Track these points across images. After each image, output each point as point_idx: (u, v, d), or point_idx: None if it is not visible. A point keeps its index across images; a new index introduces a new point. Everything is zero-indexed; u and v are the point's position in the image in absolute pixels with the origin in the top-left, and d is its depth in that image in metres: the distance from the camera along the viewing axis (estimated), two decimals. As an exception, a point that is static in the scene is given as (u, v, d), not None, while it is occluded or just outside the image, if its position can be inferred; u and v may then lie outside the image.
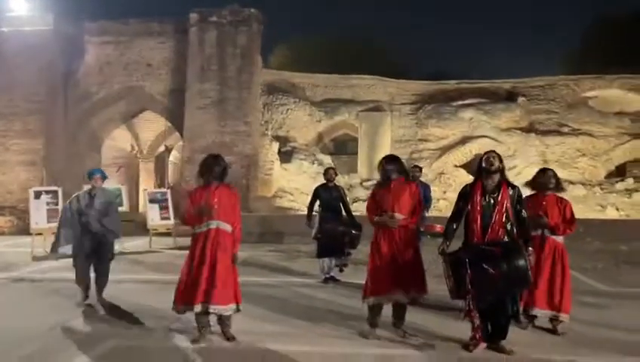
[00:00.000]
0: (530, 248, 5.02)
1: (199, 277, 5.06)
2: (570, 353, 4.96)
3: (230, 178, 5.54)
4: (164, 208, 13.46)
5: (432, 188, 11.30)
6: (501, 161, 5.08)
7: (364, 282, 5.52)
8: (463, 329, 5.14)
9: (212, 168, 5.30)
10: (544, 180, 5.94)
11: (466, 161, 18.89)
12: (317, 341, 5.29)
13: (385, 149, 18.42)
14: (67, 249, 6.62)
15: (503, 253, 4.75)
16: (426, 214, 9.34)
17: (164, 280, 8.53)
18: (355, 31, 35.31)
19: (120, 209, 12.24)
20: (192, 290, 5.06)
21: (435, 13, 67.67)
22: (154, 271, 9.63)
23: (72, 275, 6.78)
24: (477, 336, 4.94)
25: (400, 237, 5.30)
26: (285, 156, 19.02)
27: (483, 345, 4.97)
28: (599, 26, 28.39)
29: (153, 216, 13.31)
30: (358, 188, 18.30)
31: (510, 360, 4.78)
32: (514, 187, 5.09)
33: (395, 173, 5.46)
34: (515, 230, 4.98)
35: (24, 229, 14.51)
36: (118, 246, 10.96)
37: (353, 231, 8.15)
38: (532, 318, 5.78)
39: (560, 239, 5.81)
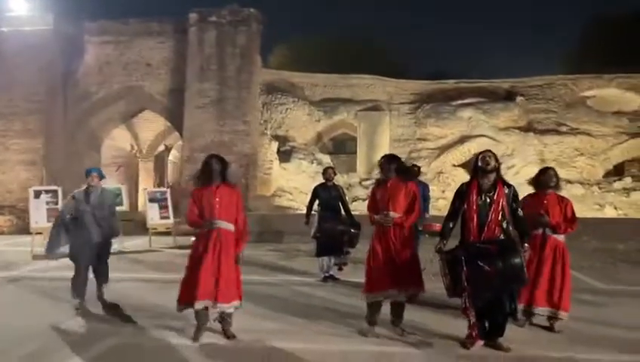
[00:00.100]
0: (527, 244, 5.07)
1: (202, 275, 5.09)
2: (567, 350, 5.00)
3: (230, 178, 5.58)
4: (163, 207, 13.47)
5: (430, 188, 11.33)
6: (497, 160, 5.14)
7: (362, 280, 5.57)
8: (460, 326, 5.19)
9: (213, 168, 5.34)
10: (545, 179, 5.97)
11: (464, 161, 18.92)
12: (316, 339, 5.33)
13: (384, 149, 18.46)
14: (66, 248, 6.54)
15: (498, 251, 4.81)
16: (427, 216, 9.37)
17: (163, 279, 8.60)
18: (354, 31, 35.38)
19: (120, 208, 12.26)
20: (195, 289, 5.09)
21: (435, 13, 67.73)
22: (154, 270, 9.67)
23: (72, 274, 6.75)
24: (473, 334, 4.98)
25: (396, 235, 5.36)
26: (284, 155, 19.04)
27: (480, 342, 5.01)
28: (597, 25, 28.41)
29: (153, 216, 13.33)
30: (357, 188, 18.34)
31: (507, 358, 4.82)
32: (509, 186, 5.14)
33: (393, 172, 5.52)
34: (511, 228, 5.04)
35: (24, 228, 14.54)
36: (117, 246, 11.07)
37: (352, 230, 8.21)
38: (530, 316, 5.83)
39: (561, 238, 5.84)
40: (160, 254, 11.84)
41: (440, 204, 16.90)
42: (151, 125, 22.21)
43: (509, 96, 19.72)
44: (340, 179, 14.58)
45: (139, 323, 5.82)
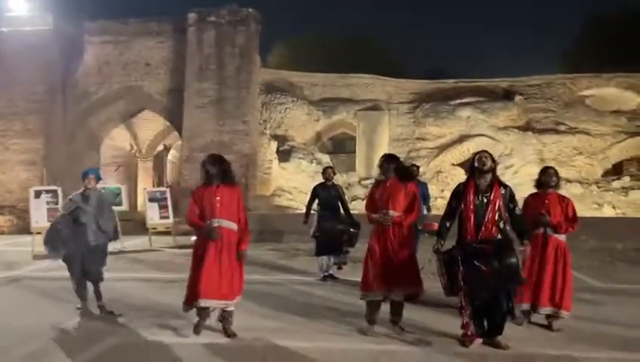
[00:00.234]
0: (526, 240, 5.12)
1: (206, 274, 5.13)
2: (565, 348, 5.03)
3: (233, 177, 5.62)
4: (163, 207, 13.49)
5: (429, 187, 11.37)
6: (493, 160, 5.17)
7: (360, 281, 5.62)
8: (459, 325, 5.21)
9: (213, 167, 5.37)
10: (546, 179, 5.98)
11: (463, 160, 18.94)
12: (316, 337, 5.36)
13: (383, 148, 18.49)
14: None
15: (494, 251, 4.86)
16: (426, 213, 9.42)
17: (164, 279, 8.64)
18: (354, 30, 35.36)
19: (120, 208, 12.30)
20: (199, 287, 5.14)
21: (435, 13, 67.82)
22: (154, 270, 9.68)
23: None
24: (468, 332, 5.03)
25: (395, 234, 5.40)
26: (284, 155, 19.07)
27: (479, 340, 5.06)
28: (596, 25, 28.46)
29: (153, 215, 13.36)
30: (356, 187, 18.37)
31: (506, 355, 4.85)
32: (505, 186, 5.19)
33: (392, 171, 5.56)
34: (507, 228, 5.08)
35: (24, 228, 14.58)
36: (119, 246, 11.11)
37: (351, 230, 8.25)
38: (528, 314, 5.86)
39: (562, 238, 5.86)
40: (160, 254, 11.87)
41: (439, 203, 16.93)
42: (150, 125, 22.22)
43: (507, 96, 19.75)
44: (339, 179, 14.61)
45: (139, 323, 5.84)
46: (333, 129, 21.03)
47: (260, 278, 8.52)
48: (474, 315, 5.09)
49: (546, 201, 5.87)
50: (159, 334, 5.43)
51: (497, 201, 5.03)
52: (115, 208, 8.76)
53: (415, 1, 69.75)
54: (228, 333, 5.30)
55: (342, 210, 8.59)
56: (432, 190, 14.49)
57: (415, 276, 5.40)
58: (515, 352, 4.90)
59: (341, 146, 23.64)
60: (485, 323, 5.12)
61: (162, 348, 4.98)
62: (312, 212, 8.76)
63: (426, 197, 9.52)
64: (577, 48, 28.92)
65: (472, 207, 5.05)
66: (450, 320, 5.65)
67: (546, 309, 5.71)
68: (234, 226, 5.33)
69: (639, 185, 17.89)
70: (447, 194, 17.45)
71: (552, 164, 16.43)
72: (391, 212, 5.40)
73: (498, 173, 5.31)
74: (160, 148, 24.20)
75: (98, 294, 6.39)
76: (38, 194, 12.05)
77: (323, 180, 8.79)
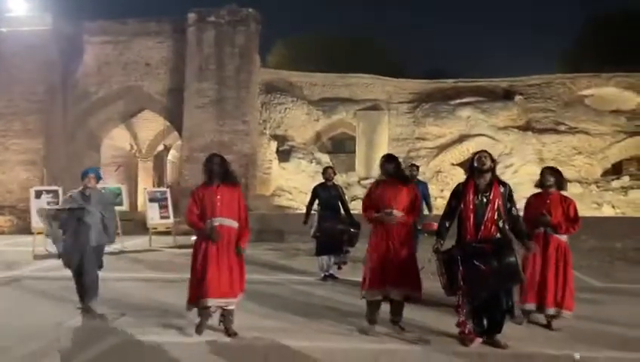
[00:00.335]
0: (533, 242, 5.18)
1: (210, 274, 5.17)
2: (565, 347, 5.04)
3: (233, 176, 5.64)
4: (163, 207, 13.51)
5: (429, 187, 11.39)
6: (492, 160, 5.19)
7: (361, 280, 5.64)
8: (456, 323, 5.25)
9: (214, 167, 5.40)
10: (541, 179, 6.03)
11: (463, 160, 18.96)
12: (317, 337, 5.38)
13: (382, 148, 18.53)
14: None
15: (493, 250, 4.88)
16: (427, 213, 9.44)
17: (164, 278, 8.66)
18: (355, 30, 35.43)
19: (120, 208, 12.33)
20: (201, 287, 5.18)
21: (435, 13, 67.89)
22: (154, 270, 9.69)
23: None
24: (465, 330, 5.06)
25: (397, 234, 5.41)
26: (283, 155, 19.09)
27: (479, 339, 5.08)
28: (596, 24, 28.49)
29: (153, 215, 13.37)
30: (356, 187, 18.38)
31: (505, 354, 4.87)
32: (505, 185, 5.22)
33: (392, 172, 5.59)
34: (506, 226, 5.10)
35: (24, 228, 14.61)
36: (120, 246, 11.14)
37: (352, 230, 8.27)
38: (528, 314, 5.89)
39: (564, 238, 5.86)
40: (160, 253, 11.88)
41: (438, 203, 16.95)
42: (150, 125, 22.24)
43: (507, 96, 19.78)
44: (338, 179, 14.63)
45: (140, 322, 5.86)
46: (333, 129, 21.05)
47: (261, 278, 8.53)
48: (473, 314, 5.12)
49: (548, 201, 5.89)
50: (160, 333, 5.44)
51: (497, 200, 5.06)
52: (116, 208, 8.80)
53: (415, 1, 69.86)
54: (229, 332, 5.32)
55: (342, 210, 8.61)
56: (432, 190, 14.52)
57: (415, 278, 5.41)
58: (514, 351, 4.93)
59: (341, 146, 23.67)
60: (485, 321, 5.14)
61: (163, 348, 4.99)
62: (312, 212, 8.78)
63: (426, 197, 9.54)
64: (577, 48, 28.95)
65: (471, 206, 5.07)
66: (450, 319, 5.65)
67: (551, 310, 5.72)
68: (235, 224, 5.36)
69: (639, 185, 17.93)
70: (447, 193, 17.46)
71: (551, 163, 16.48)
72: (395, 211, 5.42)
73: (498, 172, 5.34)
74: (160, 148, 24.21)
75: (90, 307, 6.19)
76: (38, 195, 12.07)
77: (323, 180, 8.81)
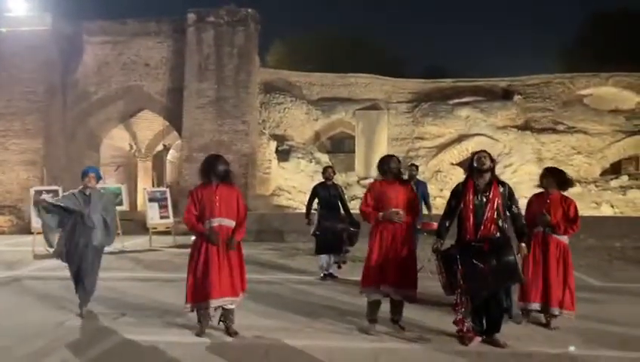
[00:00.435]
0: (523, 244, 5.18)
1: (209, 274, 5.19)
2: (563, 346, 5.08)
3: (232, 176, 5.66)
4: (163, 207, 13.53)
5: (428, 186, 11.42)
6: (492, 159, 5.22)
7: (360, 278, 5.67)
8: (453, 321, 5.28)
9: (214, 168, 5.41)
10: (542, 179, 6.06)
11: (462, 159, 19.01)
12: (317, 336, 5.41)
13: (382, 147, 18.57)
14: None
15: (492, 249, 4.91)
16: (426, 212, 9.48)
17: (164, 278, 8.69)
18: (355, 30, 35.45)
19: (120, 208, 12.34)
20: (203, 288, 5.20)
21: (435, 13, 67.96)
22: (154, 269, 9.72)
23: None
24: (463, 329, 5.10)
25: (400, 233, 5.45)
26: (283, 155, 19.12)
27: (478, 338, 5.11)
28: (594, 24, 28.54)
29: (153, 215, 13.38)
30: (355, 186, 18.42)
31: (504, 353, 4.90)
32: (504, 185, 5.24)
33: (397, 172, 5.62)
34: (506, 226, 5.13)
35: (24, 228, 14.63)
36: (120, 246, 11.15)
37: (352, 229, 8.30)
38: (528, 313, 5.91)
39: (564, 238, 5.88)
40: (160, 253, 11.90)
41: (438, 202, 16.97)
42: (149, 125, 22.26)
43: (506, 95, 19.83)
44: (338, 178, 14.67)
45: (141, 321, 5.88)
46: (332, 128, 21.07)
47: (260, 277, 8.56)
48: (473, 314, 5.15)
49: (548, 201, 5.91)
50: (161, 333, 5.46)
51: (496, 200, 5.08)
52: (116, 208, 8.81)
53: (415, 1, 69.90)
54: (230, 332, 5.35)
55: (342, 210, 8.64)
56: (431, 189, 14.54)
57: (414, 278, 5.45)
58: (513, 350, 4.95)
59: (340, 146, 23.68)
60: (484, 321, 5.17)
61: (164, 347, 5.00)
62: (312, 211, 8.81)
63: (425, 197, 9.59)
64: (577, 48, 28.98)
65: (471, 206, 5.10)
66: (450, 318, 5.66)
67: (555, 310, 5.73)
68: (233, 224, 5.39)
69: (637, 185, 17.97)
70: (446, 193, 17.51)
71: (550, 163, 16.54)
72: (401, 211, 5.45)
73: (497, 172, 5.37)
74: (159, 148, 24.22)
75: (86, 298, 6.20)
76: (38, 195, 12.03)
77: (323, 180, 8.84)
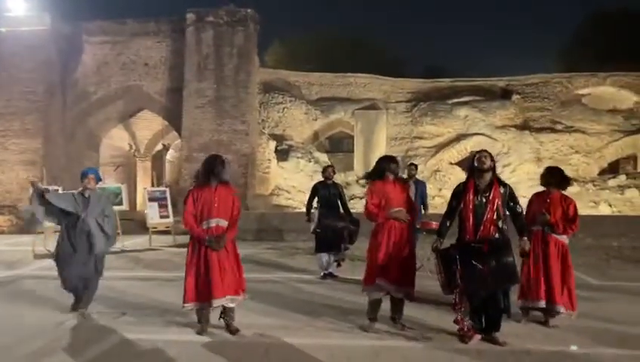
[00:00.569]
0: (525, 238, 5.22)
1: (210, 273, 5.21)
2: (561, 344, 5.12)
3: (229, 177, 5.69)
4: (163, 206, 13.55)
5: (427, 186, 11.47)
6: (492, 159, 5.24)
7: (361, 278, 5.70)
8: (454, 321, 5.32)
9: (214, 168, 5.44)
10: (543, 178, 6.10)
11: (461, 159, 19.07)
12: (318, 334, 5.44)
13: (380, 147, 18.62)
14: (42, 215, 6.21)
15: (491, 250, 4.95)
16: (424, 212, 9.53)
17: (164, 277, 8.71)
18: (355, 30, 35.47)
19: (120, 208, 12.36)
20: (205, 287, 5.23)
21: (435, 13, 68.03)
22: (154, 269, 9.75)
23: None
24: (464, 328, 5.14)
25: (402, 233, 5.49)
26: (282, 154, 19.15)
27: (478, 336, 5.15)
28: (592, 24, 28.57)
29: (153, 215, 13.41)
30: (354, 186, 18.46)
31: (503, 351, 4.93)
32: (505, 185, 5.27)
33: (397, 172, 5.69)
34: (505, 227, 5.16)
35: (23, 228, 14.65)
36: (120, 245, 11.17)
37: (352, 227, 8.34)
38: (526, 311, 5.95)
39: (563, 238, 5.90)
40: (160, 252, 11.93)
41: (436, 201, 17.03)
42: (149, 124, 22.27)
43: (504, 95, 19.88)
44: (337, 178, 14.72)
45: (141, 321, 5.91)
46: (331, 128, 21.11)
47: (260, 276, 8.59)
48: (472, 312, 5.19)
49: (548, 201, 5.94)
50: (161, 332, 5.48)
51: (496, 201, 5.11)
52: (116, 208, 8.83)
53: (415, 1, 69.98)
54: (231, 329, 5.38)
55: (341, 209, 8.68)
56: (430, 189, 14.61)
57: (413, 277, 5.53)
58: (512, 348, 4.99)
59: (339, 145, 23.73)
60: (483, 319, 5.21)
61: (164, 346, 5.01)
62: (312, 210, 8.84)
63: (423, 197, 9.64)
64: (577, 48, 29.01)
65: (471, 206, 5.13)
66: (450, 317, 5.70)
67: (560, 307, 5.75)
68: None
69: (635, 184, 18.02)
70: (445, 192, 17.65)
71: (548, 162, 16.59)
72: (404, 210, 5.51)
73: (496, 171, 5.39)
74: (159, 147, 24.24)
75: (86, 301, 6.18)
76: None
77: (323, 179, 8.87)
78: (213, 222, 5.32)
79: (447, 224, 5.34)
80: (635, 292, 7.78)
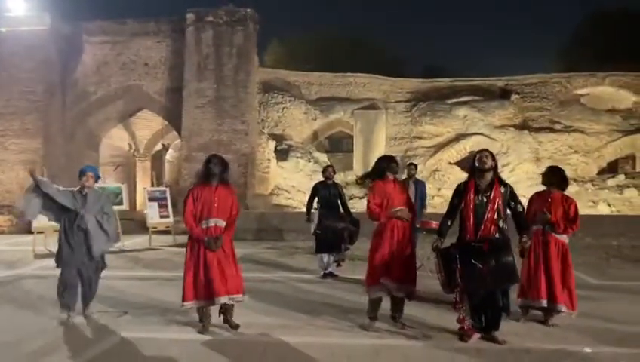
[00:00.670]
0: (525, 236, 5.24)
1: (211, 272, 5.24)
2: (561, 343, 5.13)
3: (229, 177, 5.71)
4: (163, 206, 13.56)
5: (427, 185, 11.48)
6: (494, 159, 5.25)
7: (363, 277, 5.71)
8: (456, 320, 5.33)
9: (214, 168, 5.46)
10: (544, 177, 6.13)
11: (460, 158, 19.10)
12: (318, 333, 5.45)
13: (380, 147, 18.64)
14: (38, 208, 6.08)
15: (491, 250, 4.96)
16: (423, 211, 9.55)
17: (164, 277, 8.73)
18: (354, 30, 35.49)
19: (120, 208, 12.37)
20: (206, 286, 5.25)
21: (435, 13, 68.09)
22: (154, 268, 9.76)
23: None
24: (465, 327, 5.16)
25: (403, 232, 5.52)
26: (281, 154, 19.17)
27: (477, 335, 5.17)
28: (591, 24, 28.59)
29: (152, 215, 13.42)
30: (353, 186, 18.48)
31: (503, 350, 4.95)
32: (506, 185, 5.28)
33: (396, 172, 5.72)
34: (506, 227, 5.17)
35: (23, 228, 14.65)
36: (120, 245, 11.19)
37: (352, 227, 8.35)
38: (526, 310, 5.97)
39: (563, 237, 5.91)
40: (159, 252, 11.94)
41: (436, 201, 17.07)
42: (148, 124, 22.28)
43: (503, 95, 19.91)
44: (336, 178, 14.73)
45: (142, 320, 5.93)
46: (331, 128, 21.13)
47: (260, 276, 8.62)
48: (472, 311, 5.21)
49: (549, 200, 5.95)
50: (161, 331, 5.50)
51: (497, 200, 5.12)
52: (116, 208, 8.82)
53: (415, 1, 70.03)
54: (231, 324, 5.43)
55: (341, 209, 8.69)
56: (429, 188, 14.63)
57: (414, 275, 5.56)
58: (511, 347, 5.01)
59: (338, 145, 23.76)
60: (483, 318, 5.23)
61: (165, 345, 5.03)
62: (312, 210, 8.85)
63: (423, 197, 9.66)
64: (576, 47, 29.03)
65: (471, 206, 5.15)
66: (450, 315, 5.73)
67: (562, 306, 5.76)
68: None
69: (634, 183, 18.06)
70: (444, 192, 17.65)
71: (547, 162, 16.64)
72: (406, 209, 5.53)
73: (495, 171, 5.41)
74: (158, 147, 24.25)
75: (87, 312, 6.12)
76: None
77: (323, 179, 8.89)
78: (212, 222, 5.34)
79: (448, 223, 5.35)
80: (635, 292, 7.79)
